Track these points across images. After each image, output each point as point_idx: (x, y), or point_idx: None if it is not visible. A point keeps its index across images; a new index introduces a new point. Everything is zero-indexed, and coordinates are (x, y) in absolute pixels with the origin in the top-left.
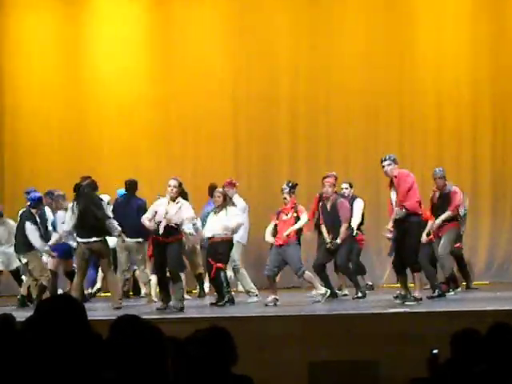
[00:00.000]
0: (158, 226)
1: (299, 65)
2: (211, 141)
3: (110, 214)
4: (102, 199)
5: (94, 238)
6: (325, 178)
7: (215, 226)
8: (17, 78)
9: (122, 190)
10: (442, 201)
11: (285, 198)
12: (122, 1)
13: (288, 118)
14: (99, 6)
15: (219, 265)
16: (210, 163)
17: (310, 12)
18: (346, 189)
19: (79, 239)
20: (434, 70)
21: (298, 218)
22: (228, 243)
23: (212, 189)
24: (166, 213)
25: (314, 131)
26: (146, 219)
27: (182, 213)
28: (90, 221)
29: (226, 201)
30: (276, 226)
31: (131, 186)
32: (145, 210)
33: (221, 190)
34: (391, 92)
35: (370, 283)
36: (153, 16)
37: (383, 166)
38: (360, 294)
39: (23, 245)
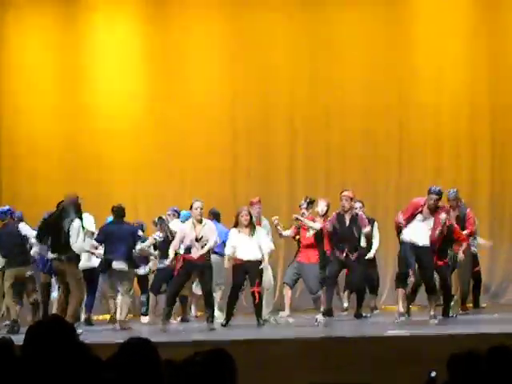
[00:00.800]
0: (190, 249)
1: (298, 88)
2: (210, 165)
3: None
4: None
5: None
6: (342, 192)
7: (252, 249)
8: (16, 102)
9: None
10: (458, 223)
11: (303, 214)
12: (121, 25)
13: (287, 141)
14: (98, 31)
15: (260, 289)
16: (208, 187)
17: (309, 36)
18: (361, 208)
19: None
20: (432, 91)
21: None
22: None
23: (214, 214)
24: (200, 237)
25: (312, 154)
26: (172, 248)
27: (211, 232)
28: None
29: (252, 220)
30: (299, 241)
31: (119, 212)
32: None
33: (246, 208)
34: (390, 113)
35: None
36: (151, 42)
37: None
38: (365, 314)
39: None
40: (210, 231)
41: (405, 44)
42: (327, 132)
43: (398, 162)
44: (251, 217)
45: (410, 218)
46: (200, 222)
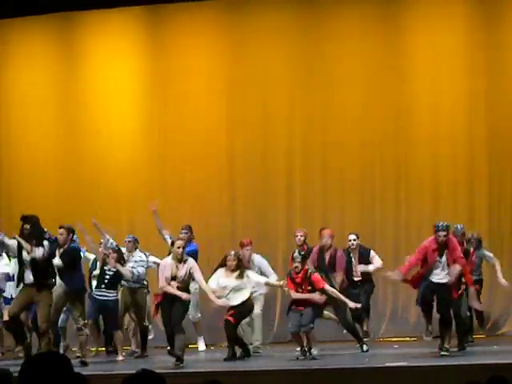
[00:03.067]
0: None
1: (295, 118)
2: (207, 196)
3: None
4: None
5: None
6: (322, 229)
7: (236, 296)
8: (13, 130)
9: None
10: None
11: (296, 267)
12: (119, 55)
13: (284, 173)
14: (97, 59)
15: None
16: (205, 220)
17: (307, 66)
18: (354, 240)
19: None
20: (430, 125)
21: (312, 290)
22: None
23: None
24: (175, 276)
25: (309, 186)
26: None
27: (195, 274)
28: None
29: (241, 264)
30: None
31: None
32: None
33: (233, 252)
34: (387, 147)
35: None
36: (149, 72)
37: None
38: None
39: None
40: (196, 273)
41: (402, 81)
42: (324, 168)
43: (394, 199)
44: (239, 260)
45: (421, 260)
46: (180, 261)
